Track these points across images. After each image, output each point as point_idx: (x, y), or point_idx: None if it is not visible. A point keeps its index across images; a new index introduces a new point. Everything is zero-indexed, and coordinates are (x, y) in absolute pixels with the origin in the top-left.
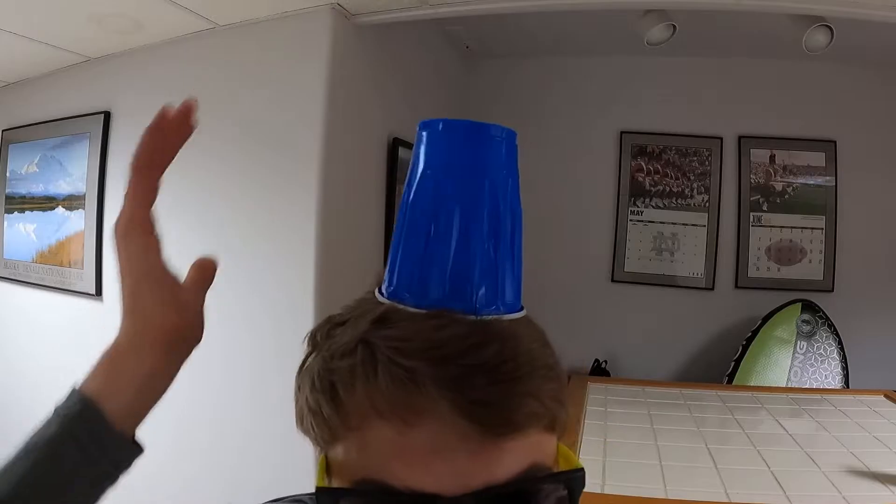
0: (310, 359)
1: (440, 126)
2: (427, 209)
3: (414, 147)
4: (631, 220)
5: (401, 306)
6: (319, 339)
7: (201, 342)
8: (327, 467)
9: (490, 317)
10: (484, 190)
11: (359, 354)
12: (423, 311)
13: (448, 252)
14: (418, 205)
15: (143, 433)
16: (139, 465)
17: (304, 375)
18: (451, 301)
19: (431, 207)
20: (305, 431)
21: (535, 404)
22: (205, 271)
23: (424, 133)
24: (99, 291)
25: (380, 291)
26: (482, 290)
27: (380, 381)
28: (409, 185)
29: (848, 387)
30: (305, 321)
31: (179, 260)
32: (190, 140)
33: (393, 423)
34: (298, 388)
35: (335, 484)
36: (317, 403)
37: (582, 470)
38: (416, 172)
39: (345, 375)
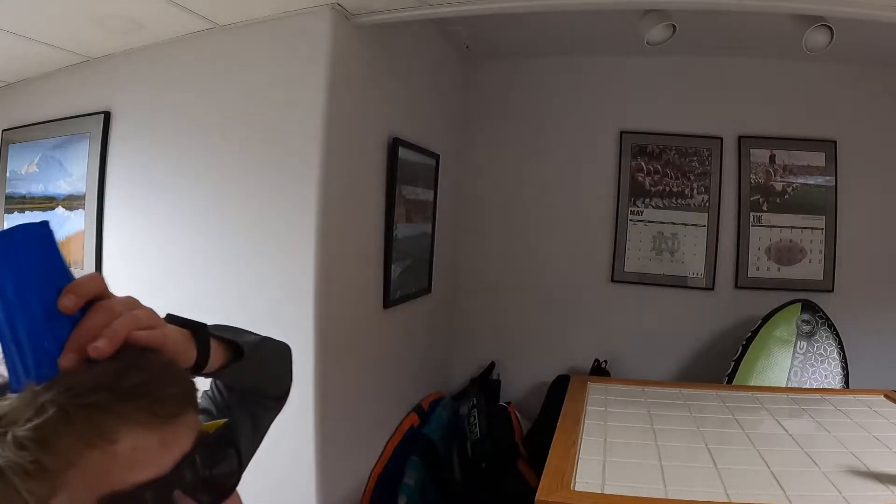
0: None
1: None
2: None
3: None
4: (631, 220)
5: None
6: None
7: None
8: None
9: None
10: None
11: (48, 410)
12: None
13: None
14: None
15: None
16: None
17: None
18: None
19: None
20: (2, 499)
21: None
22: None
23: None
24: None
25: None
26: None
27: (75, 419)
28: None
29: (848, 387)
30: (306, 321)
31: (181, 260)
32: (190, 141)
33: (99, 445)
34: None
35: None
36: (25, 462)
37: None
38: None
39: (47, 429)
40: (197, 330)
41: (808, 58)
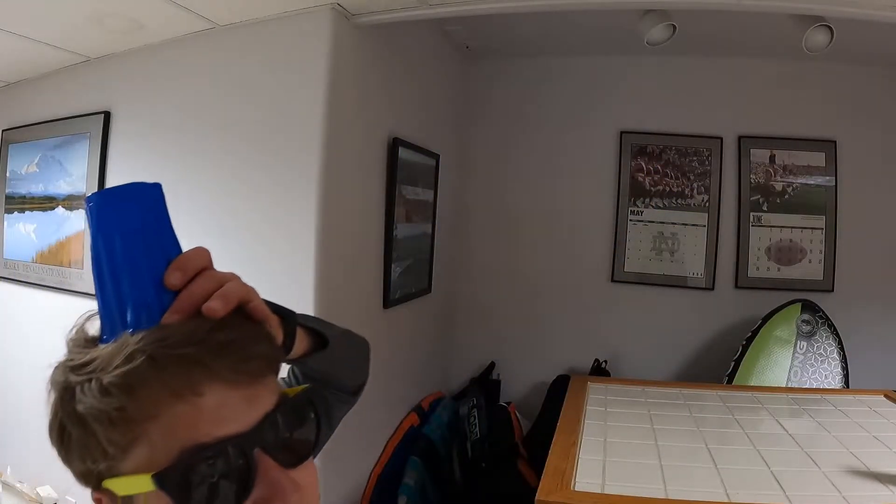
0: (72, 380)
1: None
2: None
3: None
4: (631, 220)
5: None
6: (73, 368)
7: None
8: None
9: None
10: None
11: (137, 358)
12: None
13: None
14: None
15: None
16: None
17: (73, 392)
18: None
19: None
20: (80, 447)
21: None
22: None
23: None
24: None
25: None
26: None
27: (164, 369)
28: None
29: (848, 387)
30: None
31: None
32: (190, 141)
33: (186, 397)
34: (64, 409)
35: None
36: (109, 407)
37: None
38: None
39: (134, 377)
40: (286, 316)
41: (808, 58)
